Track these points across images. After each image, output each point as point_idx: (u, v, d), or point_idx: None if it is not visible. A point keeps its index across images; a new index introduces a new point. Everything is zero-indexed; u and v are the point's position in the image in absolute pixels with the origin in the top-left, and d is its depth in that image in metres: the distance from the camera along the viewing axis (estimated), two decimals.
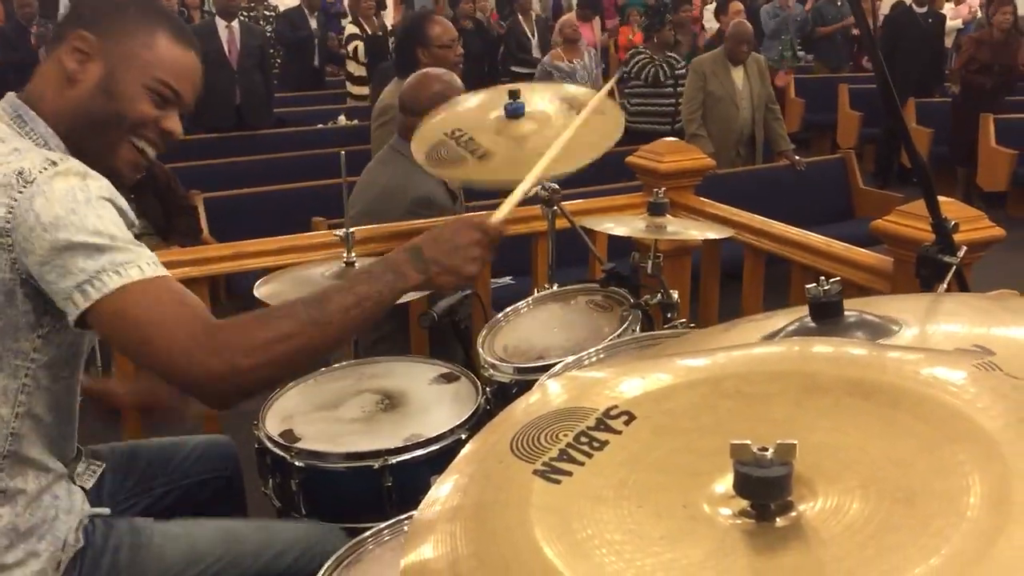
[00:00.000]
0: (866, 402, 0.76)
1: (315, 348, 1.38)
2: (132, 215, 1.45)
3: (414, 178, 2.69)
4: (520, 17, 9.58)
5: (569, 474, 0.76)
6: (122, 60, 1.43)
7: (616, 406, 0.83)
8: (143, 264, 1.31)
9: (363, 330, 1.76)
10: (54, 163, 1.33)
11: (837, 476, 0.69)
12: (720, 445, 0.71)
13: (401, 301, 1.60)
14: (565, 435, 0.80)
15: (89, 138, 1.45)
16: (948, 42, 10.17)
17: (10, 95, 1.46)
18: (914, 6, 8.28)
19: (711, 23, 10.14)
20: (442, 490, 0.80)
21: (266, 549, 1.60)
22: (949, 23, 10.51)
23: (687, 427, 0.80)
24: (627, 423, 0.81)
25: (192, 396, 1.35)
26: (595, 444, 0.79)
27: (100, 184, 1.36)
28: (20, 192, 1.30)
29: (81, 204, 1.30)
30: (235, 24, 6.93)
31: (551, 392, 0.91)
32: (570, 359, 1.80)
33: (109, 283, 1.27)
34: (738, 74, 5.90)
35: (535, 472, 0.76)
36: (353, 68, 8.34)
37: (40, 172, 1.31)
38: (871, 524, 0.64)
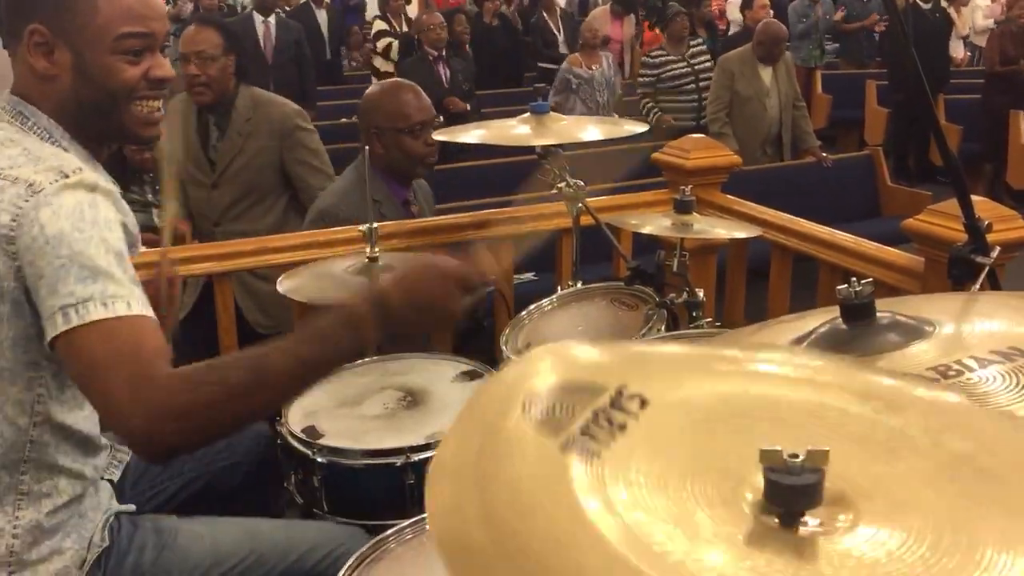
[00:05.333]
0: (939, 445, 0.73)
1: (243, 416, 1.32)
2: (136, 231, 1.45)
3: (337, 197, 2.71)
4: (545, 14, 9.55)
5: (598, 453, 0.71)
6: (80, 38, 1.39)
7: (625, 385, 0.79)
8: (132, 300, 1.28)
9: (309, 388, 1.62)
10: (65, 175, 1.32)
11: (883, 504, 0.67)
12: (743, 440, 0.69)
13: None
14: (580, 411, 0.75)
15: (91, 122, 1.45)
16: (981, 40, 10.05)
17: (6, 93, 1.45)
18: (919, 2, 8.16)
19: (735, 15, 10.03)
20: (449, 453, 0.75)
21: (290, 550, 1.60)
22: (981, 22, 10.38)
23: (703, 420, 0.77)
24: (641, 407, 0.77)
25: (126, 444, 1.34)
26: (614, 425, 0.75)
27: (108, 201, 1.34)
28: (27, 201, 1.29)
29: (88, 224, 1.29)
30: (272, 19, 6.99)
31: (550, 362, 0.85)
32: None
33: (92, 313, 1.25)
34: (766, 73, 5.85)
35: (563, 447, 0.72)
36: (380, 64, 8.35)
37: (50, 184, 1.30)
38: (901, 563, 0.62)
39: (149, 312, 1.31)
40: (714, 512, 0.67)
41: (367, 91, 2.94)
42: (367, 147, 2.73)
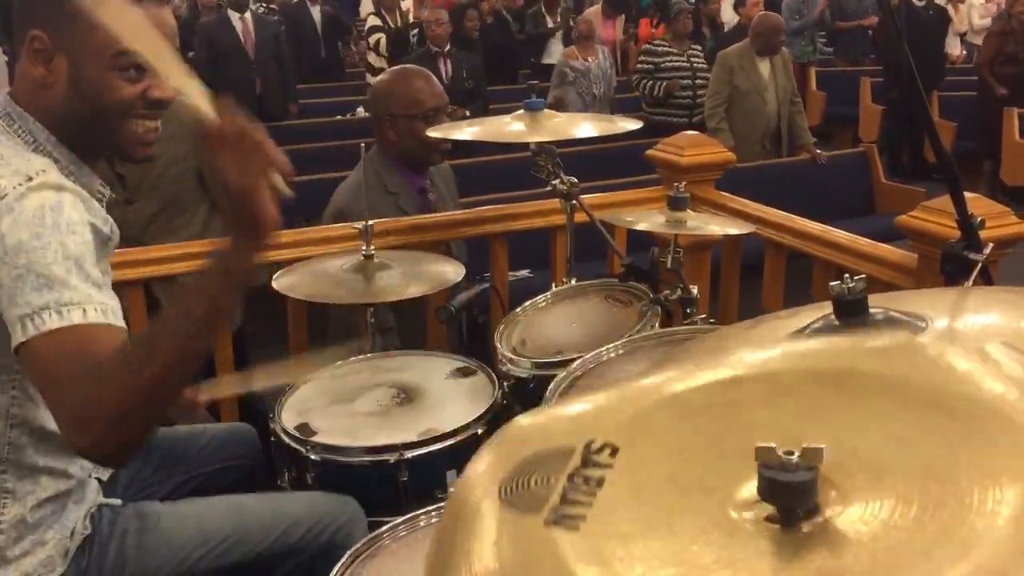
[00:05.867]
0: (899, 400, 0.73)
1: (161, 381, 1.24)
2: (109, 229, 1.43)
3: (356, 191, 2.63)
4: (543, 8, 9.56)
5: (583, 517, 0.70)
6: (79, 50, 1.38)
7: (593, 440, 0.77)
8: (88, 307, 1.26)
9: (212, 337, 1.44)
10: (29, 178, 1.30)
11: (863, 478, 0.67)
12: (724, 451, 0.69)
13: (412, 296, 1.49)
14: (557, 478, 0.74)
15: (83, 134, 1.44)
16: (977, 39, 10.06)
17: (2, 93, 1.44)
18: (913, 0, 8.17)
19: (729, 15, 10.04)
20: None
21: (277, 523, 1.60)
22: (978, 21, 10.39)
23: (675, 446, 0.76)
24: (612, 455, 0.75)
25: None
26: (591, 482, 0.73)
27: (76, 200, 1.33)
28: None
29: (48, 229, 1.27)
30: (247, 16, 6.96)
31: (517, 437, 0.84)
32: (588, 355, 1.79)
33: (48, 322, 1.23)
34: (764, 67, 5.86)
35: (547, 523, 0.70)
36: (374, 60, 8.35)
37: (13, 188, 1.28)
38: (897, 530, 0.62)
39: (108, 319, 1.28)
40: (710, 537, 0.66)
41: (378, 79, 2.88)
42: (379, 135, 2.73)
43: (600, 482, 0.73)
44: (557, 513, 0.71)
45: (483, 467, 0.82)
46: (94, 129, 1.43)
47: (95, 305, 1.27)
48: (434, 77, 2.81)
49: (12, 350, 1.26)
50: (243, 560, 1.57)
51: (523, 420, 0.87)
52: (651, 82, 6.50)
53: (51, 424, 1.42)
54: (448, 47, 6.61)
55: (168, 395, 1.28)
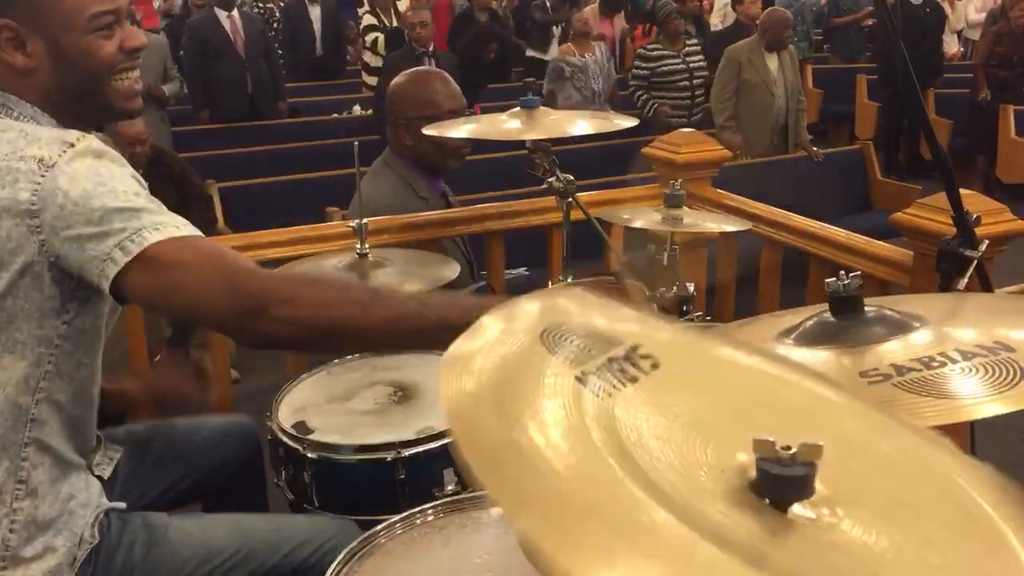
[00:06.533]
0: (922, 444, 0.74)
1: (348, 329, 1.32)
2: (147, 189, 1.45)
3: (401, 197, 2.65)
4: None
5: (609, 394, 0.74)
6: (52, 25, 1.40)
7: (640, 346, 0.80)
8: (180, 224, 1.32)
9: (423, 345, 1.76)
10: (71, 144, 1.34)
11: (853, 497, 0.67)
12: (749, 423, 0.70)
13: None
14: (597, 354, 0.78)
15: (77, 106, 1.46)
16: (974, 34, 10.06)
17: None
18: None
19: (719, 18, 10.05)
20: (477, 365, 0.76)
21: (280, 545, 1.60)
22: (973, 16, 10.39)
23: (706, 396, 0.78)
24: (652, 367, 0.78)
25: (220, 331, 1.35)
26: (626, 374, 0.77)
27: (116, 163, 1.37)
28: (43, 176, 1.31)
29: (107, 177, 1.32)
30: (235, 13, 6.92)
31: (574, 302, 0.89)
32: None
33: (149, 238, 1.28)
34: (773, 62, 5.89)
35: (579, 378, 0.75)
36: (369, 59, 8.32)
37: (60, 155, 1.32)
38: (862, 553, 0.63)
39: (200, 233, 1.34)
40: (715, 476, 0.67)
41: (394, 81, 2.78)
42: (394, 139, 2.67)
43: (635, 379, 0.76)
44: (588, 376, 0.75)
45: (532, 307, 0.87)
46: (87, 97, 1.45)
47: (182, 222, 1.33)
48: (452, 80, 2.72)
49: (108, 288, 1.29)
50: None
51: (582, 291, 0.92)
52: (645, 95, 6.50)
53: (70, 402, 1.45)
54: (432, 48, 6.58)
55: (334, 341, 1.39)
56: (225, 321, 1.31)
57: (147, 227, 1.29)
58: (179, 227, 1.32)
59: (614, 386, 0.75)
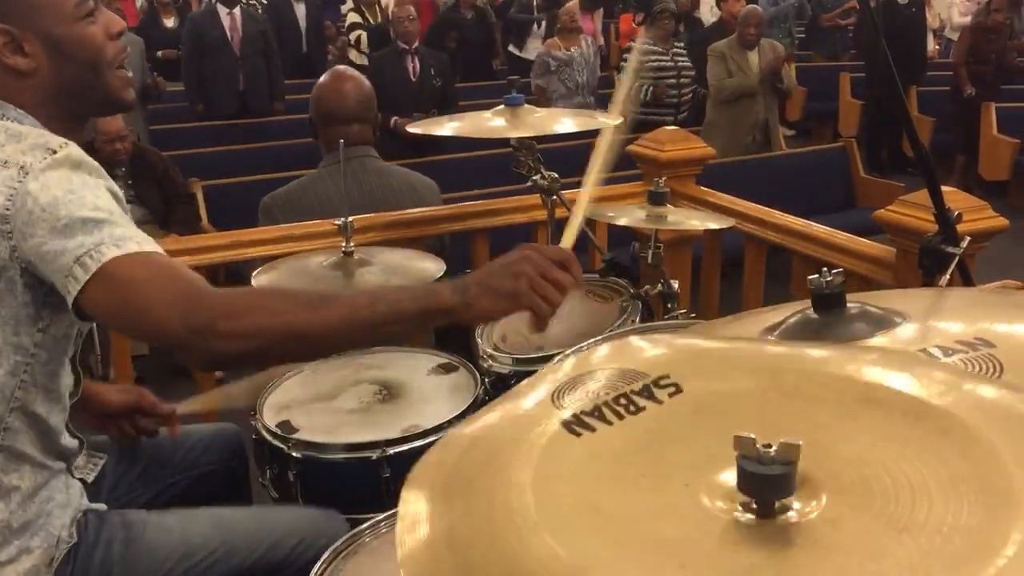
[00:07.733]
0: (915, 425, 0.74)
1: (302, 333, 1.31)
2: (124, 201, 1.44)
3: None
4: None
5: (592, 430, 0.78)
6: (43, 20, 1.40)
7: (668, 376, 0.84)
8: (140, 240, 1.31)
9: (379, 339, 1.76)
10: (53, 151, 1.33)
11: (849, 489, 0.68)
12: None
13: None
14: (607, 393, 0.82)
15: (79, 97, 1.46)
16: (954, 35, 10.09)
17: None
18: None
19: (706, 14, 10.06)
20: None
21: (262, 538, 1.59)
22: (957, 19, 10.43)
23: (728, 411, 0.80)
24: (672, 395, 0.82)
25: (173, 352, 1.33)
26: (631, 408, 0.80)
27: (94, 175, 1.36)
28: (20, 182, 1.31)
29: (78, 186, 1.32)
30: (236, 11, 6.90)
31: (607, 352, 0.94)
32: (569, 351, 1.79)
33: (107, 253, 1.27)
34: (754, 59, 5.92)
35: (562, 422, 0.79)
36: (355, 57, 8.31)
37: (39, 162, 1.32)
38: (860, 545, 0.63)
39: (160, 249, 1.33)
40: (683, 492, 0.70)
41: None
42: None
43: (639, 411, 0.81)
44: (575, 417, 0.80)
45: (553, 372, 0.92)
46: (87, 90, 1.45)
47: (143, 237, 1.32)
48: (364, 82, 2.76)
49: (70, 304, 1.29)
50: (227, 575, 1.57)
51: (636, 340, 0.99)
52: (637, 83, 6.51)
53: (46, 412, 1.44)
54: (416, 44, 6.56)
55: (289, 348, 1.35)
56: (176, 338, 1.29)
57: (107, 242, 1.28)
58: (140, 243, 1.30)
59: (605, 421, 0.79)
